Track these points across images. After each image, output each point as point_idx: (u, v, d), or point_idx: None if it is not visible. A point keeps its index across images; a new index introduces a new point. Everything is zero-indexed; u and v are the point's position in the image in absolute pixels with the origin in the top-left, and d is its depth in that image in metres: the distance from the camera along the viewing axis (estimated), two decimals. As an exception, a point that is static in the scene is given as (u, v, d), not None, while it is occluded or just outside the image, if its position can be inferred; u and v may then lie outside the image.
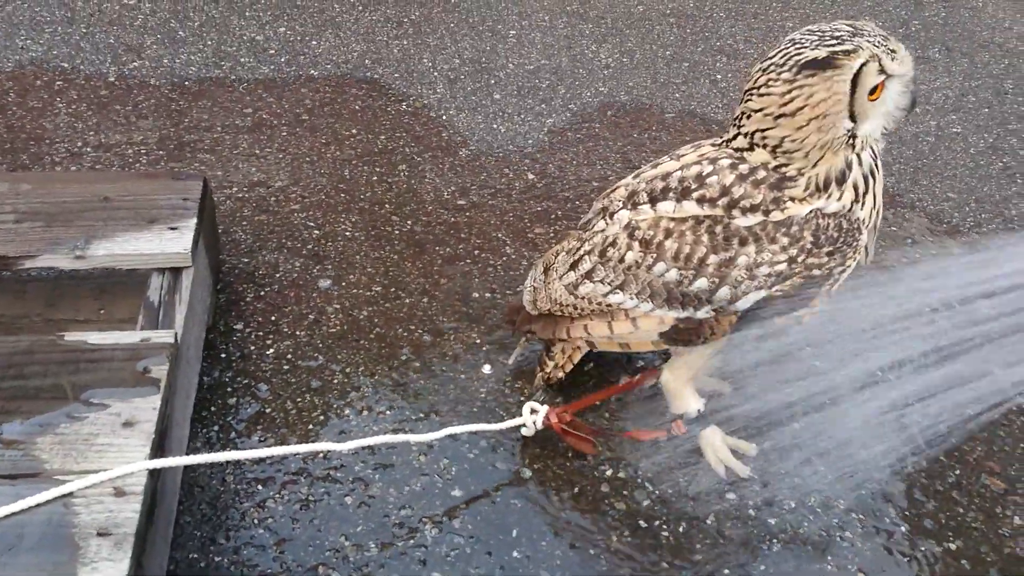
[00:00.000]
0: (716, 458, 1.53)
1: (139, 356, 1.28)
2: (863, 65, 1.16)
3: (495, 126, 2.47)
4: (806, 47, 1.17)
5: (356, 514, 1.39)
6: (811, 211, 1.24)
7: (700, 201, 1.28)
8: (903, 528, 1.47)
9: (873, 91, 1.19)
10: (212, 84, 2.52)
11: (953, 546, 1.46)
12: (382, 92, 2.57)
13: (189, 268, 1.52)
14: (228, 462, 1.44)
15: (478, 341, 1.74)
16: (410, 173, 2.23)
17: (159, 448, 1.19)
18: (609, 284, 1.38)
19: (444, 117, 2.49)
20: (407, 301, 1.82)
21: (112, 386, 1.23)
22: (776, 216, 1.25)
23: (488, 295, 1.85)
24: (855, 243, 1.27)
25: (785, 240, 1.25)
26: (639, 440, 1.54)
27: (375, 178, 2.19)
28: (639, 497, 1.48)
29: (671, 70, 2.87)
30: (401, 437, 1.37)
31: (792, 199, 1.25)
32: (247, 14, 2.93)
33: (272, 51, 2.73)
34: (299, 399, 1.58)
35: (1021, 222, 2.30)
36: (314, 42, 2.81)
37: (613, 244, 1.37)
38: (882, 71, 1.18)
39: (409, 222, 2.05)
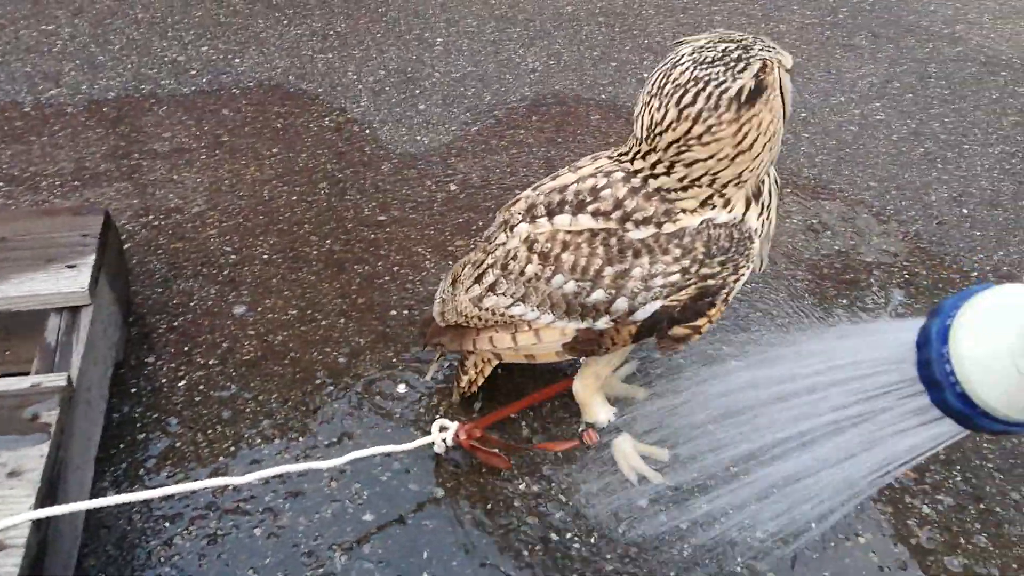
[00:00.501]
0: (628, 466, 1.54)
1: (29, 402, 1.27)
2: (779, 72, 1.18)
3: (419, 137, 2.47)
4: (722, 81, 1.15)
5: (265, 546, 1.39)
6: (702, 222, 1.25)
7: (595, 214, 1.29)
8: (814, 525, 1.49)
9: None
10: (131, 109, 2.49)
11: (862, 539, 1.48)
12: (304, 108, 2.56)
13: (88, 306, 1.50)
14: (135, 500, 1.43)
15: (394, 360, 1.74)
16: (331, 191, 2.22)
17: (49, 496, 1.18)
18: (511, 296, 1.39)
19: (367, 131, 2.48)
20: (323, 323, 1.81)
21: (-1, 435, 1.22)
22: (668, 228, 1.26)
23: (406, 312, 1.85)
24: (747, 252, 1.28)
25: (677, 251, 1.26)
26: (551, 451, 1.54)
27: (295, 198, 2.18)
28: (552, 510, 1.48)
29: (598, 71, 2.88)
30: (303, 465, 1.37)
31: (683, 211, 1.26)
32: (169, 35, 2.90)
33: (194, 72, 2.70)
34: (210, 431, 1.57)
35: (939, 207, 2.34)
36: (237, 60, 2.79)
37: (514, 257, 1.37)
38: (787, 71, 1.19)
39: (328, 241, 2.04)
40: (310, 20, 3.06)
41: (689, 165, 1.21)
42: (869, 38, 3.24)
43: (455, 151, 2.42)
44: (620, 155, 1.32)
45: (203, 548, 1.37)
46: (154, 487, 1.43)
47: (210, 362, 1.70)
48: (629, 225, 1.27)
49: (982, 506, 1.55)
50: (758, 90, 1.15)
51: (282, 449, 1.55)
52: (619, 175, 1.29)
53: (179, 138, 2.38)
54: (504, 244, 1.41)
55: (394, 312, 1.85)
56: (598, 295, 1.30)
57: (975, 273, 2.11)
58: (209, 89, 2.62)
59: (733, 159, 1.20)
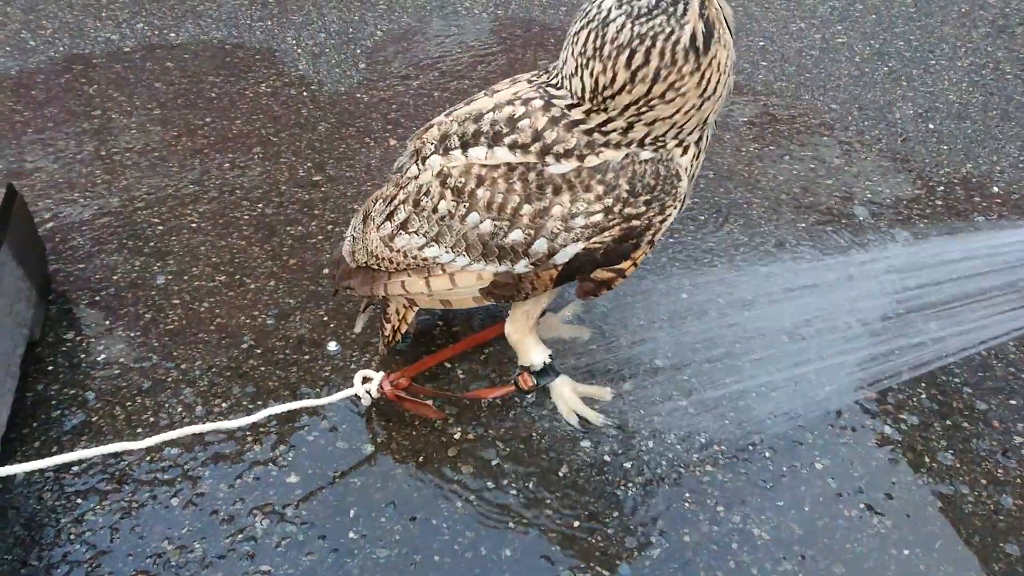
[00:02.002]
0: (568, 408, 1.45)
1: (-89, 381, 1.19)
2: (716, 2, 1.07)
3: (358, 95, 2.38)
4: (669, 30, 1.04)
5: (182, 515, 1.31)
6: (626, 155, 1.15)
7: (512, 147, 1.18)
8: (767, 454, 1.41)
9: None
10: (60, 90, 2.41)
11: (819, 465, 1.39)
12: (240, 76, 2.47)
13: (-14, 281, 1.42)
14: (47, 478, 1.36)
15: (325, 319, 1.65)
16: (264, 155, 2.13)
17: (-68, 475, 1.11)
18: (424, 236, 1.29)
19: (305, 94, 2.39)
20: (252, 287, 1.73)
21: None
22: (591, 161, 1.15)
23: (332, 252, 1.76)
24: (674, 191, 1.18)
25: (600, 189, 1.16)
26: (485, 398, 1.46)
27: (227, 165, 2.09)
28: (488, 457, 1.40)
29: (547, 16, 2.77)
30: (210, 426, 1.29)
31: (607, 143, 1.16)
32: (103, 15, 2.81)
33: (127, 49, 2.61)
34: (128, 403, 1.49)
35: (904, 125, 2.23)
36: (172, 35, 2.69)
37: (426, 193, 1.27)
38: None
39: (260, 205, 1.96)
40: (250, -11, 2.96)
41: (651, 124, 1.12)
42: (831, -37, 3.12)
43: (396, 106, 2.32)
44: (543, 82, 1.21)
45: (116, 522, 1.30)
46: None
47: (131, 334, 1.62)
48: (549, 159, 1.16)
49: (948, 422, 1.46)
50: (709, 30, 1.05)
51: (204, 415, 1.47)
52: (538, 103, 1.18)
53: (109, 114, 2.30)
54: (416, 178, 1.31)
55: (327, 271, 1.76)
56: (516, 235, 1.20)
57: (941, 187, 2.01)
58: (142, 65, 2.53)
59: (699, 108, 1.11)
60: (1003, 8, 2.75)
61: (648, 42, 1.04)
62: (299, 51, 2.60)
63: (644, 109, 1.09)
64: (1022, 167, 2.05)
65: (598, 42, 1.07)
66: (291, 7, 2.84)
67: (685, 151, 1.17)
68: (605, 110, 1.12)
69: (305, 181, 2.04)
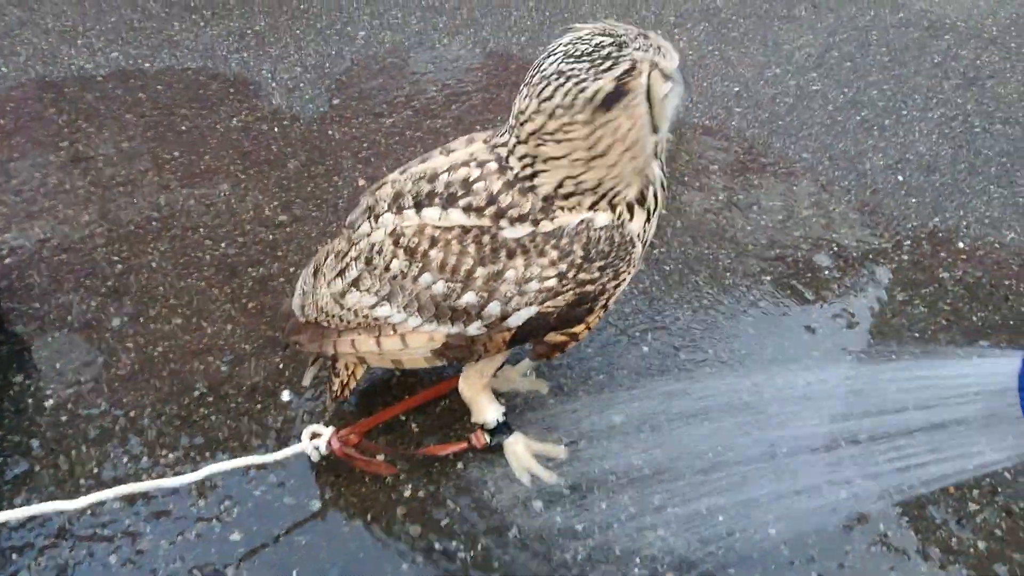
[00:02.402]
0: (521, 467, 1.43)
1: None
2: (648, 77, 1.07)
3: (330, 132, 2.36)
4: (582, 79, 1.06)
5: (120, 574, 1.28)
6: (581, 221, 1.15)
7: (467, 210, 1.17)
8: (720, 517, 1.39)
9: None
10: (29, 119, 2.38)
11: (773, 531, 1.37)
12: (212, 110, 2.45)
13: (-71, 325, 1.39)
14: (-16, 532, 1.33)
15: (281, 366, 1.63)
16: (231, 192, 2.11)
17: None
18: (376, 295, 1.27)
19: (276, 129, 2.37)
20: (209, 331, 1.70)
21: None
22: (545, 227, 1.15)
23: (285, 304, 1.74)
24: (628, 257, 1.18)
25: (555, 254, 1.15)
26: (437, 455, 1.44)
27: (192, 202, 2.07)
28: (437, 516, 1.38)
29: (524, 55, 2.77)
30: (151, 484, 1.26)
31: (562, 208, 1.15)
32: (79, 42, 2.79)
33: (100, 78, 2.59)
34: (74, 452, 1.46)
35: (874, 175, 2.23)
36: (147, 64, 2.68)
37: (379, 251, 1.26)
38: (666, 76, 1.09)
39: (223, 245, 1.94)
40: (228, 20, 2.95)
41: (546, 161, 1.12)
42: (809, 8, 3.14)
43: (367, 144, 2.31)
44: (496, 143, 1.20)
45: (51, 580, 1.27)
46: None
47: (82, 379, 1.60)
48: (504, 222, 1.16)
49: (905, 488, 1.45)
50: (617, 94, 1.06)
51: (149, 467, 1.44)
52: (493, 165, 1.18)
53: (77, 146, 2.27)
54: (368, 235, 1.29)
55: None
56: (469, 298, 1.19)
57: (908, 241, 2.01)
58: (114, 95, 2.51)
59: (588, 163, 1.10)
60: (974, 60, 2.77)
61: (562, 80, 1.06)
62: (274, 84, 2.59)
63: (539, 143, 1.11)
64: (987, 223, 2.06)
65: (534, 71, 1.10)
66: (269, 40, 2.83)
67: (632, 216, 1.17)
68: (520, 138, 1.13)
69: (270, 221, 2.02)
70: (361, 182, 2.17)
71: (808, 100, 2.57)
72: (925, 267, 1.93)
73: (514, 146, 1.15)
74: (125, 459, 1.45)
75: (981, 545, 1.36)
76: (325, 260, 1.37)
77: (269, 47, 2.81)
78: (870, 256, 1.96)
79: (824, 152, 2.32)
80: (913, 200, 2.15)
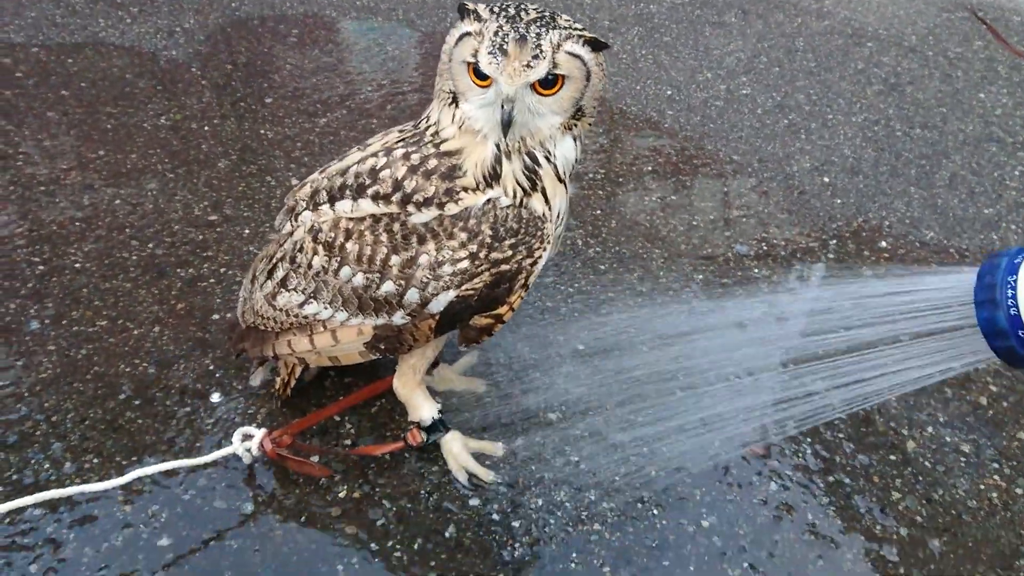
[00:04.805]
0: (458, 465, 1.43)
1: None
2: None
3: (262, 131, 2.33)
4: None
5: (40, 584, 1.23)
6: (487, 201, 1.15)
7: (375, 198, 1.18)
8: (655, 511, 1.40)
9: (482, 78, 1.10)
10: (-57, 116, 2.29)
11: (706, 523, 1.40)
12: (140, 108, 2.39)
13: None
14: None
15: (211, 368, 1.59)
16: (159, 192, 2.06)
17: None
18: (302, 292, 1.27)
19: (206, 128, 2.32)
20: (135, 333, 1.66)
21: None
22: (451, 209, 1.16)
23: (229, 315, 1.71)
24: (539, 233, 1.18)
25: (463, 236, 1.15)
26: (372, 455, 1.42)
27: (118, 202, 2.01)
28: (373, 516, 1.36)
29: (460, 57, 2.77)
30: (74, 489, 1.22)
31: (465, 189, 1.16)
32: (-3, 37, 2.69)
33: (20, 74, 2.50)
34: (-10, 459, 1.40)
35: (801, 177, 2.29)
36: (70, 60, 2.60)
37: (300, 249, 1.26)
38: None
39: (151, 245, 1.89)
40: (156, 18, 2.88)
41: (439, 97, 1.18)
42: (739, 15, 3.22)
43: (300, 144, 2.28)
44: (412, 132, 1.21)
45: (-34, 592, 1.21)
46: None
47: (0, 384, 1.53)
48: (411, 208, 1.17)
49: (831, 478, 1.49)
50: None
51: (72, 473, 1.39)
52: (399, 152, 1.19)
53: (-6, 144, 2.19)
54: (291, 235, 1.29)
55: (216, 316, 1.71)
56: (388, 287, 1.19)
57: (833, 240, 2.07)
58: (35, 92, 2.42)
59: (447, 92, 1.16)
60: (895, 67, 2.88)
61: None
62: (204, 83, 2.54)
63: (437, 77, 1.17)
64: (908, 223, 2.13)
65: None
66: (198, 37, 2.78)
67: (530, 196, 1.18)
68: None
69: (200, 220, 1.97)
70: (294, 181, 2.13)
71: (738, 104, 2.63)
72: (850, 266, 1.99)
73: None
74: (47, 465, 1.40)
75: (903, 532, 1.41)
76: (259, 265, 1.36)
77: (198, 45, 2.75)
78: (797, 255, 2.01)
79: (754, 154, 2.38)
80: (838, 201, 2.21)
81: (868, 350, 1.73)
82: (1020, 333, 0.77)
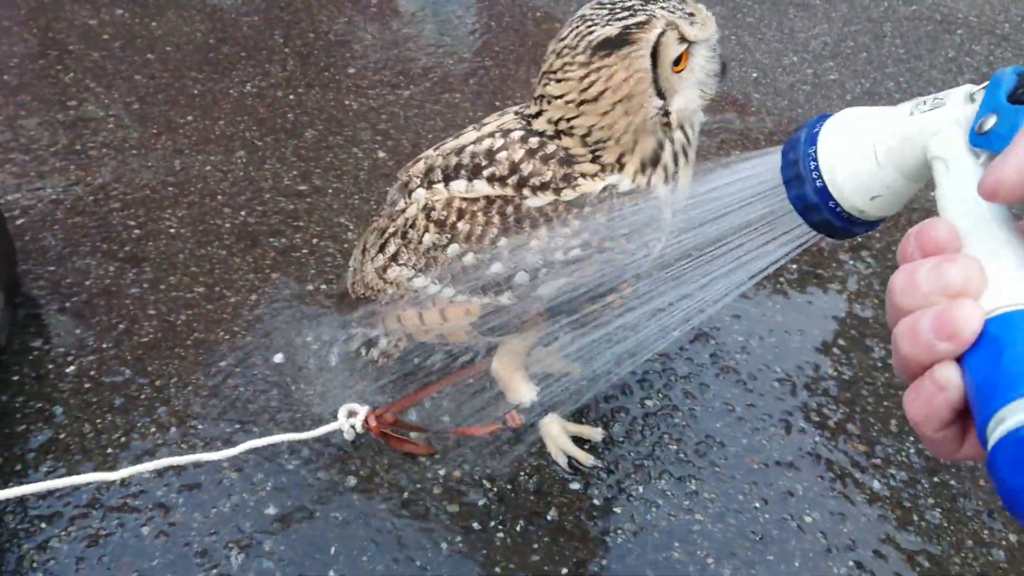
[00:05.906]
0: (557, 448, 1.42)
1: None
2: (660, 36, 1.04)
3: (347, 102, 2.32)
4: (597, 24, 1.04)
5: (153, 545, 1.25)
6: (604, 188, 1.12)
7: (490, 180, 1.16)
8: (756, 505, 1.39)
9: (677, 62, 1.07)
10: (34, 76, 2.31)
11: (808, 519, 1.38)
12: (224, 74, 2.39)
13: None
14: (9, 498, 1.28)
15: (309, 339, 1.60)
16: (248, 160, 2.06)
17: None
18: (412, 267, 1.26)
19: (291, 96, 2.32)
20: (232, 300, 1.67)
21: None
22: (568, 195, 1.13)
23: (324, 286, 1.71)
24: (655, 223, 1.15)
25: (578, 223, 1.13)
26: (472, 435, 1.42)
27: (208, 168, 2.02)
28: (475, 497, 1.36)
29: (540, 31, 2.74)
30: (191, 458, 1.23)
31: (583, 175, 1.13)
32: (82, -2, 2.71)
33: (106, 36, 2.52)
34: (99, 420, 1.42)
35: (894, 168, 2.24)
36: (154, 24, 2.61)
37: (412, 225, 1.25)
38: (683, 39, 1.06)
39: (243, 213, 1.89)
40: (236, -18, 2.88)
41: (549, 101, 1.11)
42: (823, -2, 3.13)
43: (385, 116, 2.27)
44: (526, 113, 1.19)
45: (82, 551, 1.23)
46: (31, 483, 1.28)
47: (104, 345, 1.55)
48: (526, 191, 1.14)
49: (936, 479, 1.46)
50: (618, 42, 1.03)
51: (178, 439, 1.40)
52: (517, 134, 1.16)
53: (85, 106, 2.21)
54: (404, 211, 1.28)
55: (311, 287, 1.71)
56: (496, 268, 1.18)
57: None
58: (122, 54, 2.44)
59: (578, 106, 1.08)
60: (987, 56, 2.79)
61: (579, 23, 1.06)
62: (287, 50, 2.53)
63: (546, 82, 1.10)
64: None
65: (559, 46, 1.09)
66: (280, 3, 2.77)
67: (649, 179, 1.14)
68: (547, 113, 1.12)
69: (290, 190, 1.97)
70: (381, 154, 2.13)
71: (826, 89, 2.57)
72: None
73: (536, 97, 1.14)
74: (153, 428, 1.42)
75: (1012, 538, 1.38)
76: (370, 238, 1.36)
77: (280, 11, 2.74)
78: (892, 248, 1.96)
79: (844, 142, 2.32)
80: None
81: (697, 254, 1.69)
82: (830, 204, 0.72)
